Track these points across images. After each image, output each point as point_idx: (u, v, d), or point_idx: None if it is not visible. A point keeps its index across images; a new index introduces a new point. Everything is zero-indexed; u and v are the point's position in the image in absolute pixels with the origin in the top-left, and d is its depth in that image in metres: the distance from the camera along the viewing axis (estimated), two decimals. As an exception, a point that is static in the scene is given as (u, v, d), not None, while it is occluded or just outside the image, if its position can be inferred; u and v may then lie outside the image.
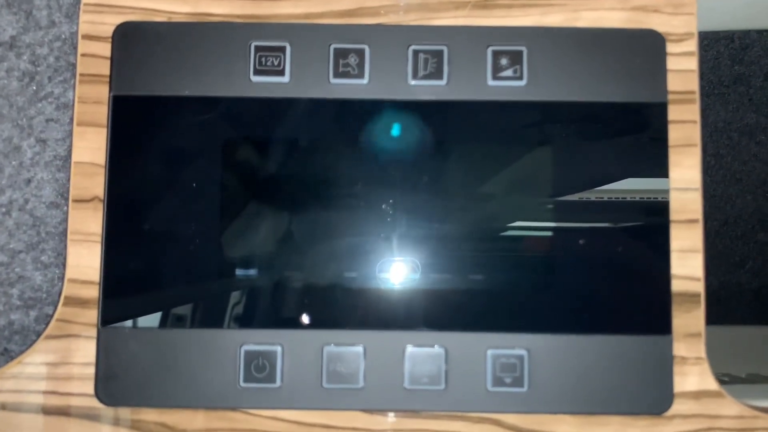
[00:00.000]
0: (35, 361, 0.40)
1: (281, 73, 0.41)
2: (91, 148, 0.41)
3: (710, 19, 0.62)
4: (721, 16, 0.61)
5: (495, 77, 0.41)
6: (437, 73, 0.41)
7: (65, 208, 0.44)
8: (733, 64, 0.90)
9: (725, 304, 0.95)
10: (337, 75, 0.41)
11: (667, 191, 0.41)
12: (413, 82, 0.41)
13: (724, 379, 0.57)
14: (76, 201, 0.40)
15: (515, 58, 0.41)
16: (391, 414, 0.40)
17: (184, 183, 0.41)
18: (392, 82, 0.41)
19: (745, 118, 0.92)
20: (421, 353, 0.40)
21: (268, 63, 0.41)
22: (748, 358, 0.67)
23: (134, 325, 0.40)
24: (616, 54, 0.41)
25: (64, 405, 0.40)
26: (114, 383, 0.39)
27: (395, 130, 0.41)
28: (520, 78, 0.41)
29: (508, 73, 0.41)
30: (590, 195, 0.41)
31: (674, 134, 0.41)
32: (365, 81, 0.41)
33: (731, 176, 0.94)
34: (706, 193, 0.94)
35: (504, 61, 0.41)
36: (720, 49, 0.89)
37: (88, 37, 0.41)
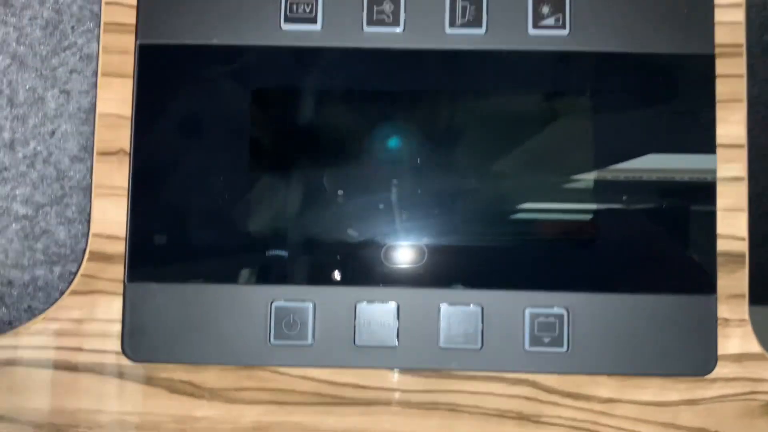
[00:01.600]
0: (60, 317, 0.39)
1: (313, 20, 0.40)
2: (116, 99, 0.40)
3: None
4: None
5: (536, 26, 0.40)
6: (476, 21, 0.39)
7: (89, 162, 0.43)
8: (762, 34, 0.88)
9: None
10: (371, 23, 0.40)
11: (713, 147, 0.39)
12: (450, 31, 0.40)
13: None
14: (101, 154, 0.40)
15: (558, 6, 0.39)
16: (425, 374, 0.39)
17: (212, 135, 0.40)
18: (428, 31, 0.40)
19: (773, 91, 0.90)
20: (457, 312, 0.39)
21: (300, 10, 0.40)
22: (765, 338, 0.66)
23: (162, 280, 0.39)
24: (662, 3, 0.40)
25: (89, 361, 0.39)
26: (141, 338, 0.39)
27: (432, 82, 0.40)
28: (563, 27, 0.39)
29: (550, 21, 0.39)
30: (635, 150, 0.39)
31: (721, 88, 0.40)
32: (400, 29, 0.40)
33: (757, 152, 0.92)
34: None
35: (546, 9, 0.39)
36: (750, 17, 0.87)
37: None
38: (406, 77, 0.40)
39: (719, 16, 0.40)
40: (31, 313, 0.43)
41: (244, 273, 0.39)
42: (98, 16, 0.42)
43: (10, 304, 0.43)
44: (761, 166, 0.95)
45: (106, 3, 0.40)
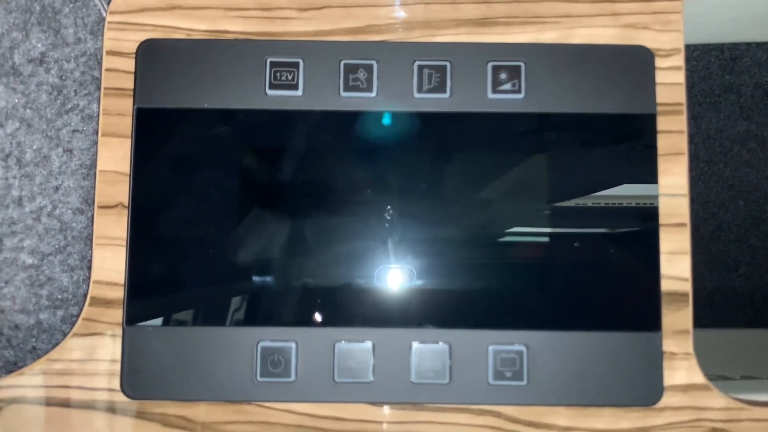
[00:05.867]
0: (63, 358, 0.42)
1: (295, 87, 0.43)
2: (115, 157, 0.43)
3: (700, 32, 0.65)
4: (711, 29, 0.64)
5: (495, 90, 0.43)
6: (441, 87, 0.43)
7: (90, 213, 0.46)
8: (723, 74, 0.92)
9: (719, 308, 0.97)
10: (347, 89, 0.43)
11: (656, 197, 0.43)
12: (418, 95, 0.44)
13: (718, 381, 0.59)
14: (101, 207, 0.43)
15: (514, 73, 0.43)
16: (399, 406, 0.42)
17: (203, 190, 0.43)
18: (399, 95, 0.44)
19: (737, 126, 0.94)
20: (427, 349, 0.42)
21: (283, 77, 0.43)
22: (742, 361, 0.69)
23: (157, 324, 0.42)
24: (608, 68, 0.44)
25: (90, 399, 0.42)
26: (138, 378, 0.42)
27: (402, 141, 0.44)
28: (519, 91, 0.43)
29: (507, 86, 0.43)
30: (585, 201, 0.43)
31: (663, 143, 0.44)
32: (373, 94, 0.44)
33: (724, 182, 0.96)
34: (700, 198, 0.96)
35: (503, 76, 0.43)
36: (710, 60, 0.92)
37: (113, 53, 0.44)
38: (379, 136, 0.44)
39: (661, 77, 0.44)
40: (36, 354, 0.46)
41: (233, 316, 0.43)
42: (99, 81, 0.45)
43: (15, 346, 0.46)
44: (729, 196, 1.00)
45: (106, 69, 0.43)
